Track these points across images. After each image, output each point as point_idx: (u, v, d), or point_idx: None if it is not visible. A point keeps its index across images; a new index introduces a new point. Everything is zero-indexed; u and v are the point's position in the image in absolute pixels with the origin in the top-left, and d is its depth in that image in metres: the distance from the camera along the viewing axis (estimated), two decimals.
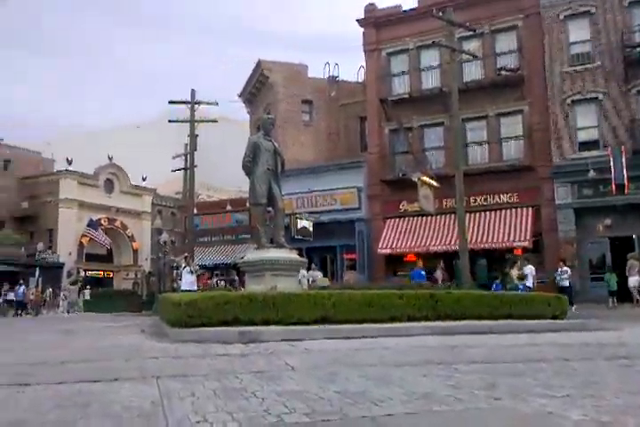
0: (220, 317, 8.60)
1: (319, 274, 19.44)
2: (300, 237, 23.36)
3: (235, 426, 3.07)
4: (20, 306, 27.99)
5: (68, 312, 29.57)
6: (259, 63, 29.34)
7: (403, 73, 25.32)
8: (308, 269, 18.26)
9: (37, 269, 34.74)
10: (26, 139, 53.89)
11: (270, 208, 12.27)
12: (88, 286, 39.00)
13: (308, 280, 17.42)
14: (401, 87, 25.20)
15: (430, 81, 24.56)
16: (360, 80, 28.75)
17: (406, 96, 24.44)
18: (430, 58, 24.63)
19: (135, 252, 48.64)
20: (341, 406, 3.52)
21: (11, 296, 28.25)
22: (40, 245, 38.40)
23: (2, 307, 28.54)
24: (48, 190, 44.07)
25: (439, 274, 17.08)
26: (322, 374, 4.83)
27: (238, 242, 30.24)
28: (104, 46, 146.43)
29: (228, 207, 31.61)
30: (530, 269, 17.39)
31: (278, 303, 8.88)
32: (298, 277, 12.47)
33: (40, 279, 33.64)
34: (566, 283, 17.81)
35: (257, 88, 30.70)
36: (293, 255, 11.90)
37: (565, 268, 18.36)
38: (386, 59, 25.68)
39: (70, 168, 44.27)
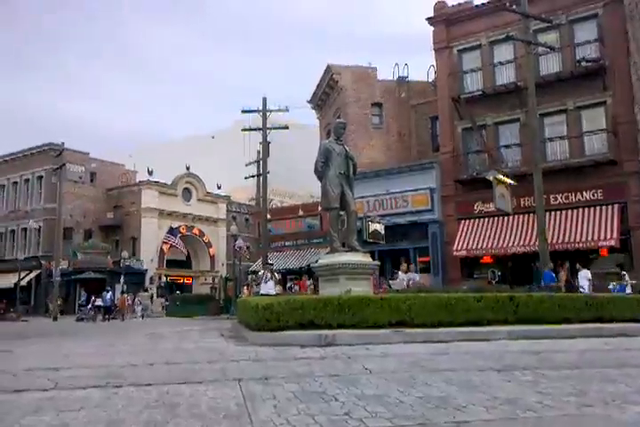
0: (297, 320, 8.71)
1: (416, 276, 19.15)
2: (372, 240, 23.24)
3: None
4: (108, 311, 29.44)
5: (142, 317, 30.76)
6: (328, 68, 29.54)
7: (475, 70, 24.66)
8: (407, 271, 18.15)
9: (122, 275, 36.55)
10: (109, 152, 56.98)
11: (343, 212, 12.32)
12: (178, 291, 40.83)
13: (408, 283, 17.24)
14: (473, 84, 24.56)
15: (504, 76, 23.77)
16: (430, 80, 28.32)
17: (479, 93, 23.79)
18: (504, 53, 23.84)
19: (212, 257, 50.13)
20: (423, 412, 3.47)
21: (99, 302, 29.77)
22: (124, 253, 40.35)
23: (91, 313, 30.11)
24: (131, 200, 46.32)
25: (563, 275, 16.36)
26: (401, 379, 4.78)
27: (311, 246, 30.49)
28: (174, 58, 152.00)
29: (300, 212, 31.95)
30: (585, 273, 16.45)
31: (353, 307, 8.87)
32: (371, 280, 12.38)
33: (125, 286, 35.38)
34: (627, 290, 16.55)
35: (326, 93, 30.93)
36: (367, 259, 11.86)
37: (623, 272, 17.25)
38: (457, 56, 25.13)
39: (151, 178, 46.31)
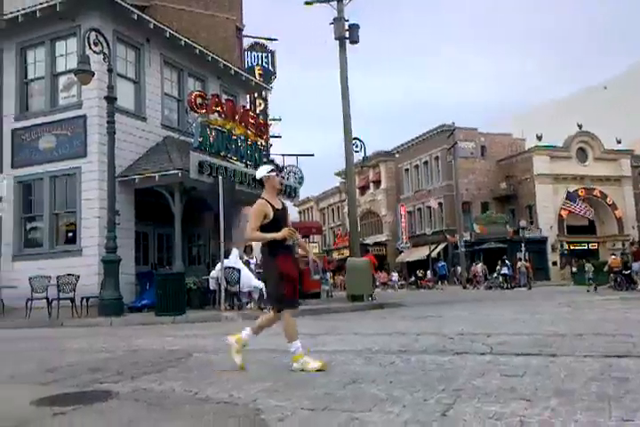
0: None
1: None
2: None
3: None
4: (512, 280, 30.53)
5: (511, 287, 29.70)
6: None
7: None
8: None
9: (522, 244, 36.64)
10: (496, 124, 57.60)
11: None
12: (580, 260, 38.92)
13: None
14: None
15: None
16: None
17: None
18: None
19: (619, 220, 45.50)
20: None
21: (504, 271, 30.90)
22: (522, 222, 40.26)
23: (497, 281, 31.36)
24: (522, 169, 45.89)
25: None
26: None
27: None
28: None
29: None
30: None
31: None
32: None
33: (526, 254, 35.39)
34: None
35: None
36: None
37: None
38: None
39: (540, 144, 44.90)
